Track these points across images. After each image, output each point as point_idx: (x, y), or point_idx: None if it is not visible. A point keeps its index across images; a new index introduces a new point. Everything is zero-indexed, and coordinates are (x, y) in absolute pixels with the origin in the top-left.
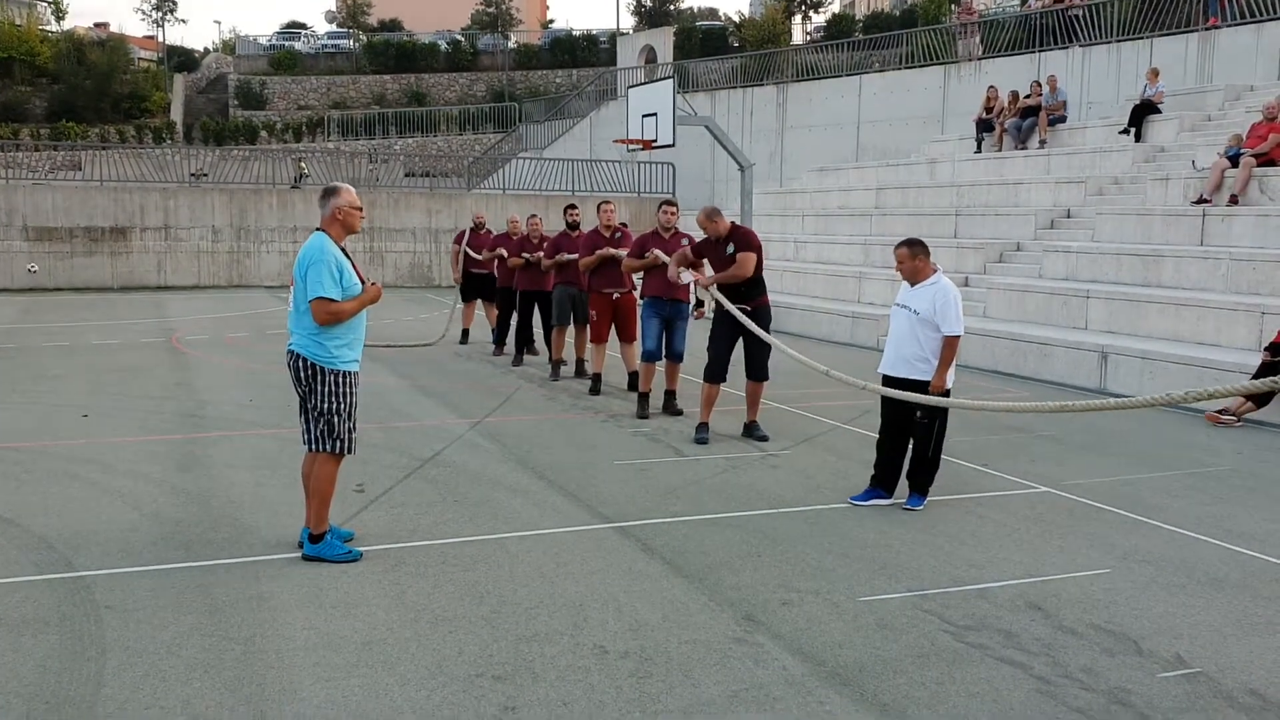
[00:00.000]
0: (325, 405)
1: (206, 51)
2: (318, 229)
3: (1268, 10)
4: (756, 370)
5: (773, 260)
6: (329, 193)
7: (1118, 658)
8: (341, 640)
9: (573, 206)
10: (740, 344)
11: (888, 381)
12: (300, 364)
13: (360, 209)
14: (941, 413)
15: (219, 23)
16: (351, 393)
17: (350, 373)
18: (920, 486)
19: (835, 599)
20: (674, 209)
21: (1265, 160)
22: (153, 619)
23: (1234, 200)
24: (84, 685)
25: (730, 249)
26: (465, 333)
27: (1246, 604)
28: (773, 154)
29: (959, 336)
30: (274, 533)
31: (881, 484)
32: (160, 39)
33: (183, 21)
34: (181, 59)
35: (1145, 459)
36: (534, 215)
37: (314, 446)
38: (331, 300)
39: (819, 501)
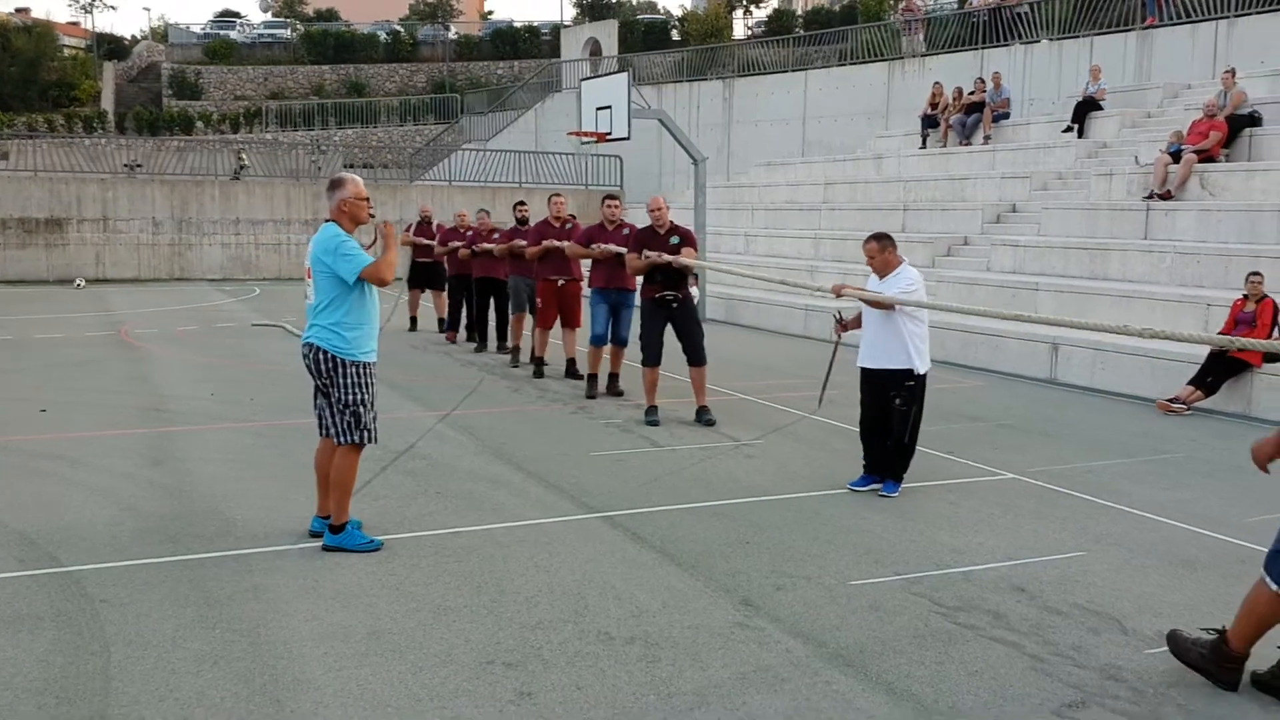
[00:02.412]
0: (350, 397)
1: (135, 39)
2: (327, 219)
3: (1202, 11)
4: (694, 355)
5: (724, 254)
6: (334, 185)
7: (1104, 636)
8: (347, 631)
9: (522, 203)
10: (674, 334)
11: (867, 373)
12: (320, 356)
13: (367, 199)
14: (918, 400)
15: (148, 10)
16: (373, 383)
17: (369, 363)
18: (895, 473)
19: (827, 583)
20: (617, 203)
21: (1205, 157)
22: (152, 612)
23: (1167, 195)
24: (92, 679)
25: (675, 240)
26: (413, 320)
27: (1218, 584)
28: (720, 148)
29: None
30: (261, 525)
31: (875, 470)
32: (89, 26)
33: (111, 8)
34: (111, 47)
35: (1103, 446)
36: (483, 210)
37: (339, 439)
38: (373, 263)
39: (797, 489)
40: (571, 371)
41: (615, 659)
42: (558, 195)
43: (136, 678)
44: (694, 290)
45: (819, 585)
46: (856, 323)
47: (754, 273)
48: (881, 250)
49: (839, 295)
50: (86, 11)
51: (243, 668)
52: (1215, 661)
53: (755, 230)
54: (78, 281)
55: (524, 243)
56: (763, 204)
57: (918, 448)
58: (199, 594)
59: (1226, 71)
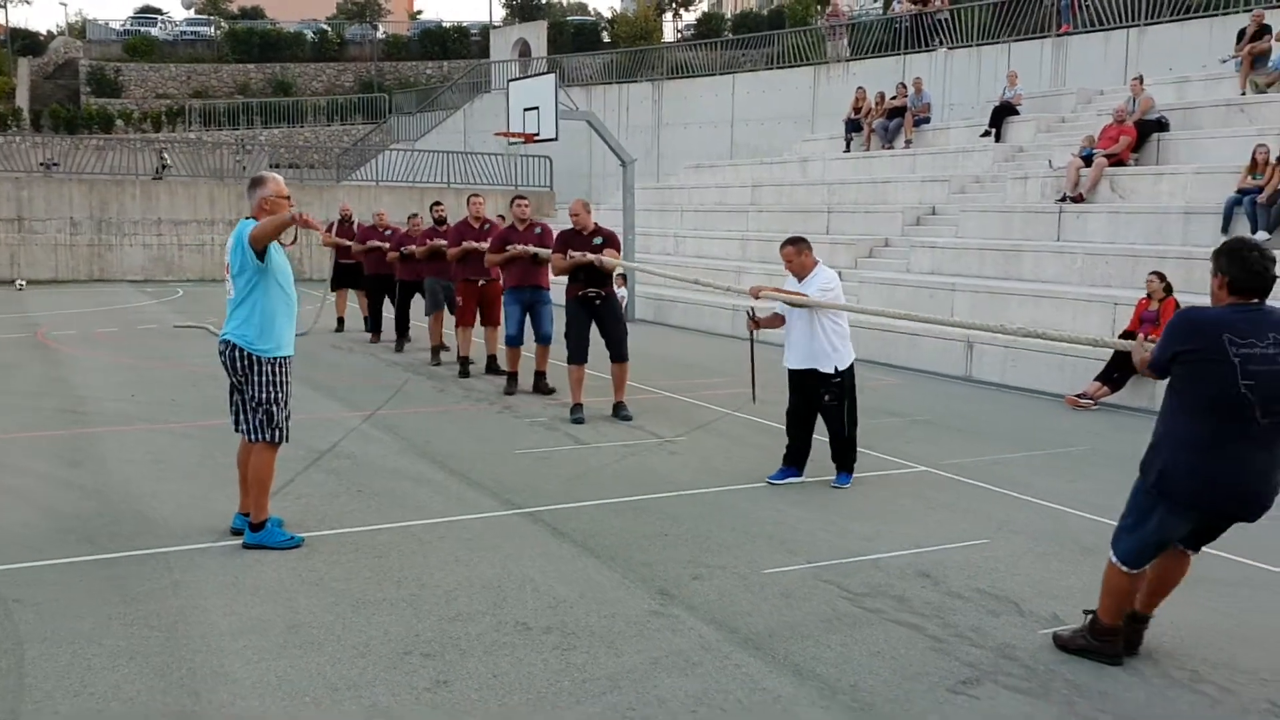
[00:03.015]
0: (263, 394)
1: (52, 35)
2: (248, 216)
3: (1114, 19)
4: (616, 352)
5: (653, 254)
6: (255, 183)
7: (1001, 618)
8: (266, 625)
9: (438, 203)
10: (597, 331)
11: (794, 375)
12: (236, 354)
13: (288, 197)
14: (849, 393)
15: (65, 5)
16: (288, 380)
17: (285, 359)
18: (845, 464)
19: (741, 572)
20: (527, 203)
21: (1115, 160)
22: (66, 611)
23: (1079, 198)
24: (5, 677)
25: (599, 240)
26: (340, 321)
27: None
28: (649, 150)
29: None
30: (181, 524)
31: (794, 462)
32: (1, 21)
33: (26, 3)
34: (25, 42)
35: (1012, 440)
36: (414, 215)
37: (252, 436)
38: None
39: (717, 484)
40: (492, 367)
41: (532, 648)
42: (476, 195)
43: (50, 674)
44: (622, 291)
45: (733, 574)
46: (770, 322)
47: (676, 273)
48: (798, 254)
49: (757, 297)
50: (0, 6)
51: (160, 662)
52: (1094, 637)
53: (684, 231)
54: (18, 283)
55: (444, 243)
56: (691, 205)
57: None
58: (116, 592)
59: (1135, 78)
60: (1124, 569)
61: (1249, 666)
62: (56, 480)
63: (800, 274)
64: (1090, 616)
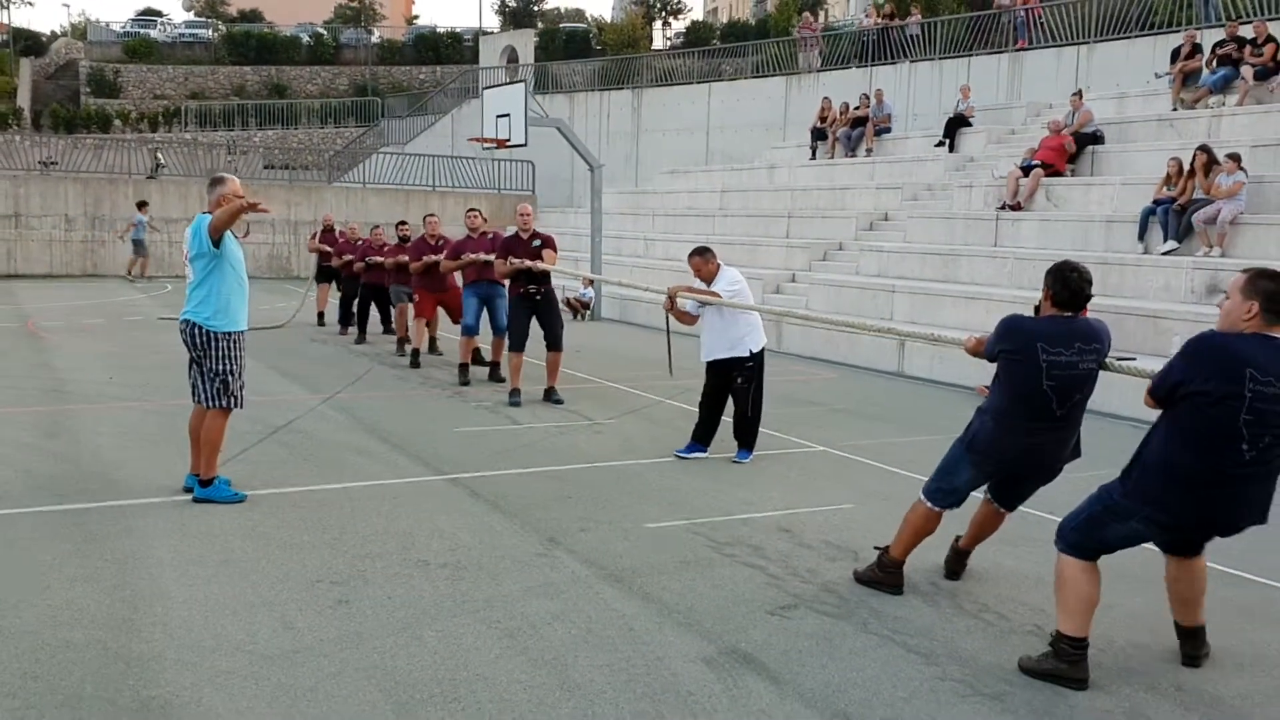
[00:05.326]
0: (219, 366)
1: (55, 36)
2: (205, 212)
3: (1066, 36)
4: (552, 342)
5: (624, 257)
6: (215, 182)
7: (838, 563)
8: (202, 559)
9: (403, 223)
10: (536, 322)
11: (712, 365)
12: (195, 331)
13: (242, 197)
14: (757, 376)
15: (68, 6)
16: (241, 353)
17: (237, 333)
18: (746, 442)
19: (625, 526)
20: (476, 213)
21: (1053, 171)
22: (33, 547)
23: (1018, 206)
24: None
25: (537, 243)
26: (320, 315)
27: (956, 527)
28: (628, 156)
29: (721, 298)
30: (141, 484)
31: (701, 439)
32: (4, 21)
33: (29, 4)
34: (28, 43)
35: (915, 425)
36: (376, 226)
37: (209, 404)
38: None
39: (632, 458)
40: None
41: (426, 578)
42: (432, 215)
43: (16, 590)
44: (589, 291)
45: (617, 527)
46: (683, 317)
47: (606, 276)
48: (705, 263)
49: (673, 297)
50: (3, 7)
51: (109, 584)
52: (882, 569)
53: (655, 235)
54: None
55: (406, 258)
56: (663, 210)
57: None
58: (78, 533)
59: (1074, 93)
60: (929, 504)
61: (1031, 601)
62: (34, 448)
63: (708, 280)
64: (880, 552)
